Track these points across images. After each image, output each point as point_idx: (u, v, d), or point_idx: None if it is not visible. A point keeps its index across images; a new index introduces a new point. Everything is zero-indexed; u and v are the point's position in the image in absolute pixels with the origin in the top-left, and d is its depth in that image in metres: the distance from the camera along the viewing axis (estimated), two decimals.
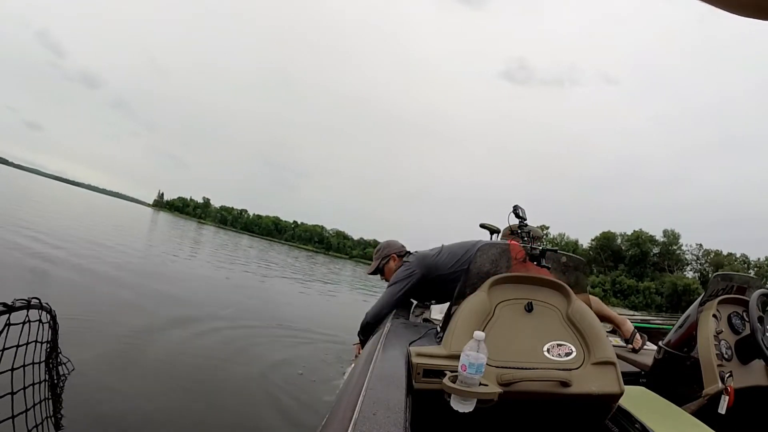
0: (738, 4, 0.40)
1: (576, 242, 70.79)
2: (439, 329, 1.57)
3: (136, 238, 14.13)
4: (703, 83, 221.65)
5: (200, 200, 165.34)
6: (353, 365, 2.21)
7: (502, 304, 1.39)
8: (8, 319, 1.19)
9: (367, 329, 2.75)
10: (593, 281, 56.82)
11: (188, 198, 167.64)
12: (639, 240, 63.04)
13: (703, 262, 61.05)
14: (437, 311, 2.77)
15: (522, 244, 1.63)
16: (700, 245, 62.59)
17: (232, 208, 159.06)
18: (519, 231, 1.87)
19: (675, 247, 63.13)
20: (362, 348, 2.98)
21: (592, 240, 67.99)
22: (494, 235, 2.79)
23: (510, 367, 1.25)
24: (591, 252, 66.80)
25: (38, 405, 1.42)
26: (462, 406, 1.08)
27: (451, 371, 1.15)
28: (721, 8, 0.45)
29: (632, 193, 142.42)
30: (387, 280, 2.89)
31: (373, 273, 3.13)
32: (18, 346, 1.29)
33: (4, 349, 1.18)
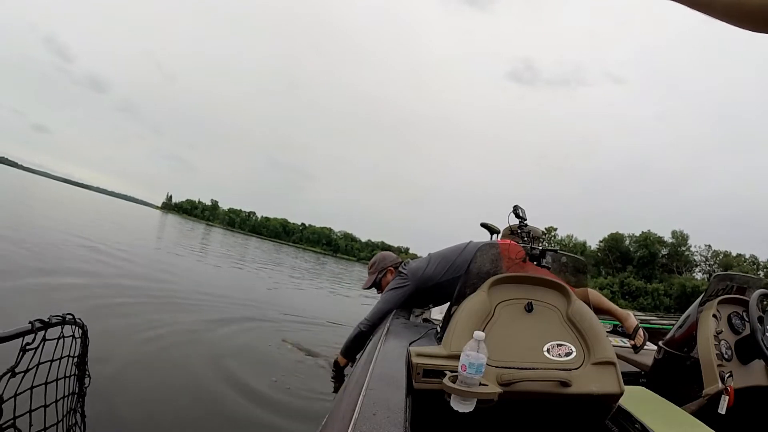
0: (748, 19, 0.41)
1: (584, 243, 70.19)
2: (439, 329, 1.56)
3: (149, 239, 14.25)
4: (711, 81, 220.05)
5: (208, 202, 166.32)
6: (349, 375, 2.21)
7: (502, 304, 1.37)
8: (44, 334, 1.24)
9: (360, 339, 2.76)
10: (601, 283, 56.21)
11: (196, 200, 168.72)
12: (647, 241, 61.96)
13: (712, 263, 60.08)
14: (437, 311, 2.77)
15: (522, 244, 1.62)
16: (709, 246, 61.55)
17: (240, 211, 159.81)
18: (519, 231, 1.86)
19: (684, 248, 62.09)
20: (348, 363, 3.00)
21: (600, 241, 66.94)
22: (494, 235, 2.78)
23: (510, 367, 1.24)
24: (599, 253, 65.88)
25: (66, 416, 1.48)
26: (462, 406, 1.07)
27: (451, 371, 1.14)
28: (730, 23, 0.46)
29: (641, 193, 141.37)
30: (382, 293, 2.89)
31: (369, 287, 3.14)
32: (52, 360, 1.35)
33: (39, 363, 1.23)
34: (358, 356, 2.38)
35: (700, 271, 61.10)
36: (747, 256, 58.51)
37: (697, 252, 62.62)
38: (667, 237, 63.28)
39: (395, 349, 1.48)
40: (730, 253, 59.66)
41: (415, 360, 1.21)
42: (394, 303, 2.67)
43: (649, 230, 63.91)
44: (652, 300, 52.66)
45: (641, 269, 60.92)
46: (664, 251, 62.85)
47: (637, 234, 64.54)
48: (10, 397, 1.13)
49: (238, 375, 2.94)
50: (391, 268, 3.03)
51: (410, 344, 1.44)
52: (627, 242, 64.91)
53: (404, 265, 2.86)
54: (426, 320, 2.43)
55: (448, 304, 1.56)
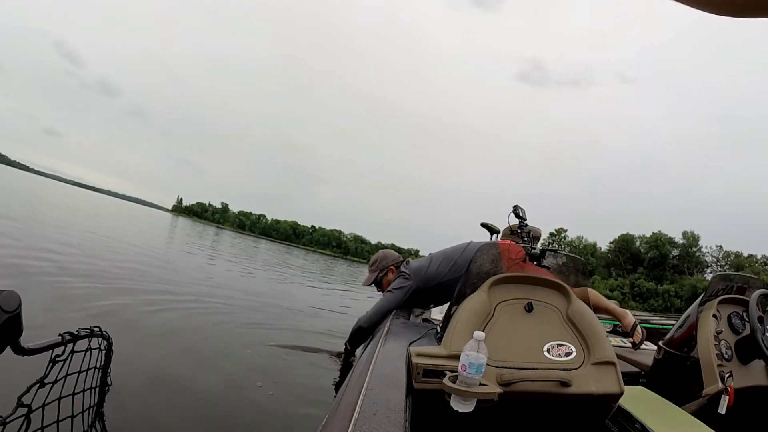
0: (717, 5, 0.42)
1: (594, 245, 69.62)
2: (439, 329, 1.55)
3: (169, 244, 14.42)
4: (720, 79, 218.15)
5: (218, 205, 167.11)
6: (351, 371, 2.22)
7: (502, 304, 1.36)
8: (73, 347, 1.28)
9: (359, 335, 2.76)
10: (612, 284, 55.68)
11: (207, 203, 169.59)
12: (658, 242, 60.78)
13: (724, 264, 59.09)
14: (437, 311, 2.75)
15: (522, 244, 1.61)
16: (720, 247, 60.30)
17: (250, 213, 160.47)
18: (519, 231, 1.84)
19: (695, 249, 60.97)
20: (348, 356, 3.01)
21: (611, 243, 65.93)
22: (494, 235, 2.77)
23: (510, 367, 1.23)
24: (609, 255, 64.93)
25: (91, 427, 1.53)
26: (462, 406, 1.06)
27: (451, 371, 1.13)
28: (703, 10, 0.47)
29: (650, 193, 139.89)
30: (384, 293, 2.88)
31: (370, 285, 3.12)
32: (79, 372, 1.39)
33: (67, 374, 1.28)
34: (358, 355, 2.38)
35: (711, 272, 60.13)
36: (759, 257, 57.64)
37: (708, 253, 61.45)
38: (678, 238, 62.36)
39: (395, 349, 1.47)
40: (742, 253, 58.73)
41: (415, 360, 1.21)
42: (396, 302, 2.66)
43: (659, 231, 62.94)
44: (663, 301, 52.01)
45: (652, 270, 60.00)
46: (675, 252, 61.86)
47: (648, 235, 63.73)
48: (39, 407, 1.16)
49: (237, 373, 2.94)
50: (393, 268, 3.02)
51: (410, 344, 1.44)
52: (637, 243, 63.95)
53: (405, 264, 2.86)
54: (426, 320, 2.42)
55: (448, 304, 1.55)
